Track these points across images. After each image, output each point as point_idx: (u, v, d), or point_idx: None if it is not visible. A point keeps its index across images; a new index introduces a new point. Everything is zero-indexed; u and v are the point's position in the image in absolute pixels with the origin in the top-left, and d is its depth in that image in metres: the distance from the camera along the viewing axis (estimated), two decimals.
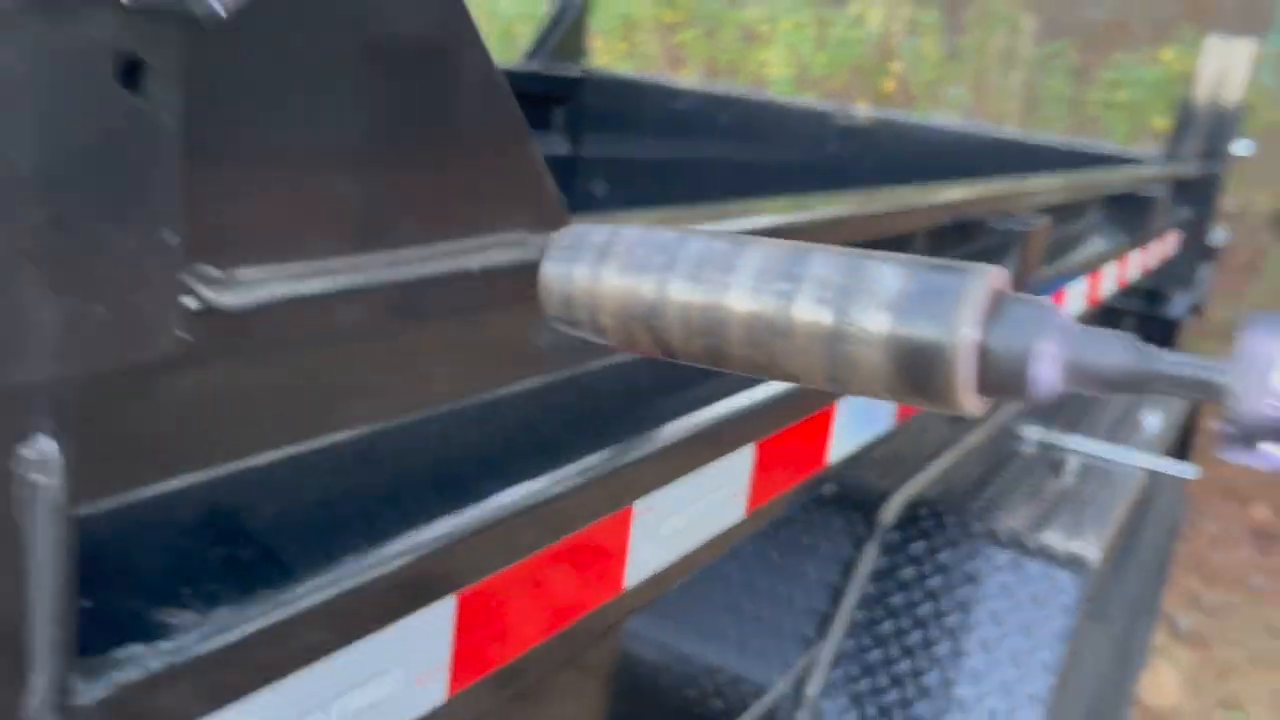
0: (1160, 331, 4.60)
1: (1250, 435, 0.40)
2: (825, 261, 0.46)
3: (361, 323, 0.83)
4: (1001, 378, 0.45)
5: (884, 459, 1.77)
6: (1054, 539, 2.34)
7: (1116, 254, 3.19)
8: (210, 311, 0.70)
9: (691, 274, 0.48)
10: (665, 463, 1.20)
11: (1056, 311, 0.45)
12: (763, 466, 1.48)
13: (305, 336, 0.79)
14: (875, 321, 0.45)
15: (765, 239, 0.49)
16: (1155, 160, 4.33)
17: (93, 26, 0.57)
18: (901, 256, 0.47)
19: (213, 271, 0.69)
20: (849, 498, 2.41)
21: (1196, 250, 4.64)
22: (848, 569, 2.30)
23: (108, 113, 0.58)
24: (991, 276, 0.44)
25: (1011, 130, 4.68)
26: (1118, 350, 0.44)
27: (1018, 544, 2.30)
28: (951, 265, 0.45)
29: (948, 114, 7.67)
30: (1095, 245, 3.11)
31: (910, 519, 2.39)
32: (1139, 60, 7.88)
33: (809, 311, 0.46)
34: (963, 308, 0.44)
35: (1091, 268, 2.98)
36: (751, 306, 0.47)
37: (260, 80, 0.70)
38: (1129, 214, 3.44)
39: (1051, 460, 2.76)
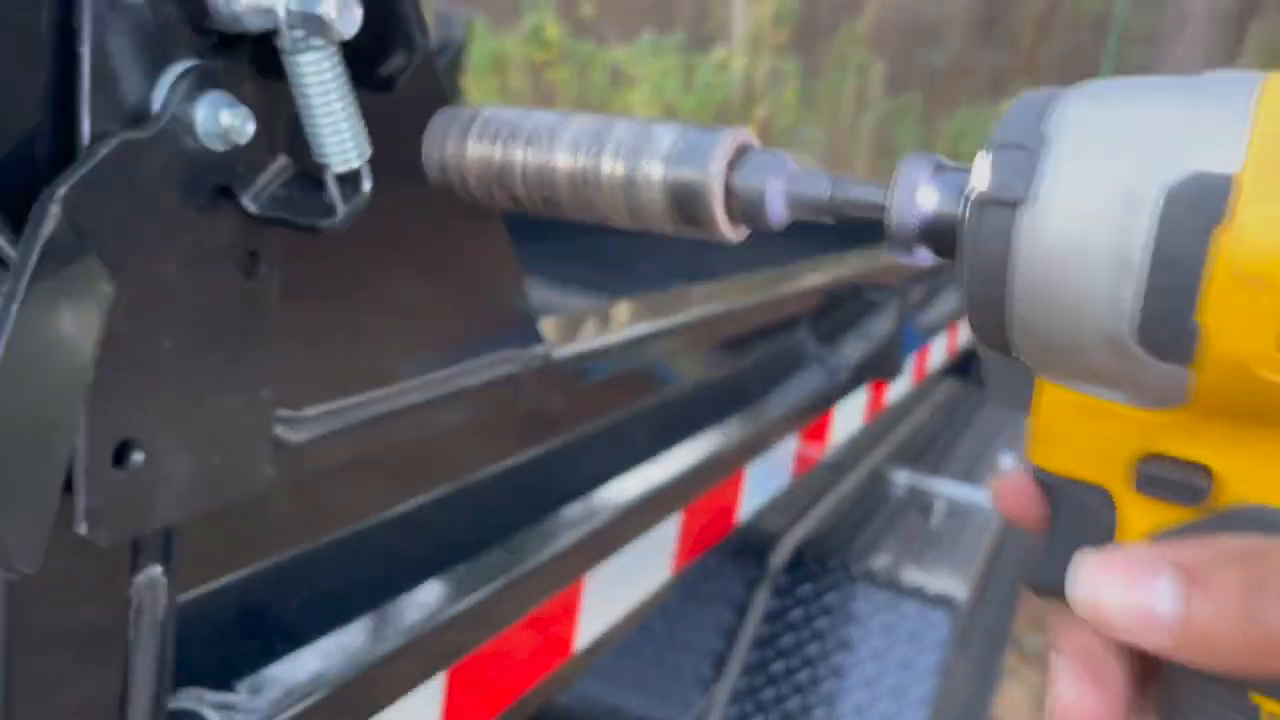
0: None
1: (905, 241, 0.54)
2: (622, 128, 0.62)
3: (378, 444, 0.96)
4: (745, 209, 0.59)
5: (772, 505, 1.93)
6: (927, 580, 2.56)
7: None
8: (282, 446, 0.82)
9: (528, 141, 0.64)
10: (611, 535, 1.35)
11: (784, 158, 0.60)
12: (687, 530, 1.64)
13: (342, 457, 0.91)
14: (655, 170, 0.60)
15: (584, 114, 0.64)
16: None
17: (225, 231, 0.69)
18: (675, 122, 0.63)
19: (287, 413, 0.82)
20: (742, 543, 2.58)
21: None
22: (742, 611, 2.49)
23: (230, 298, 0.70)
24: (737, 133, 0.60)
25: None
26: (823, 184, 0.58)
27: (894, 585, 2.51)
28: (710, 128, 0.61)
29: (805, 155, 8.02)
30: (952, 300, 3.38)
31: (798, 562, 2.58)
32: (980, 112, 8.46)
33: (610, 165, 0.61)
34: (714, 156, 0.59)
35: (952, 319, 3.26)
36: (571, 164, 0.62)
37: (331, 265, 0.83)
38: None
39: (920, 503, 2.99)
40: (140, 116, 0.63)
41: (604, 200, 0.63)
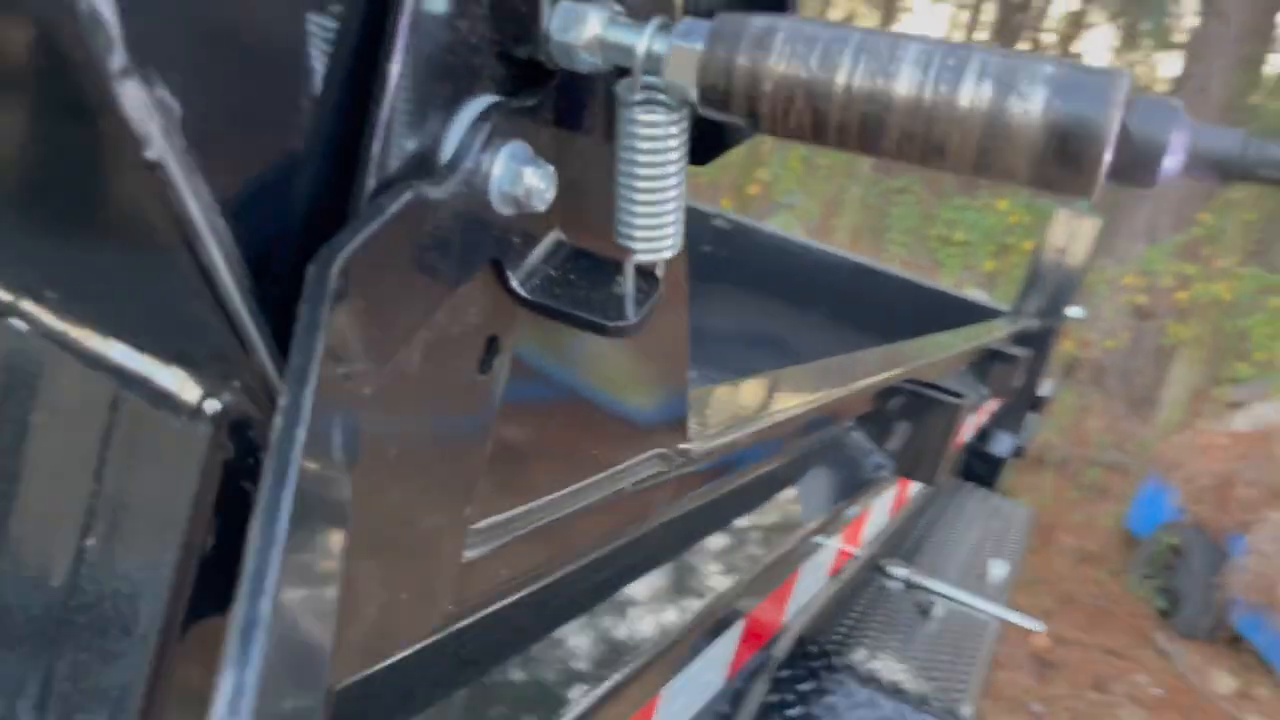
0: (986, 467, 4.91)
1: None
2: (987, 49, 0.50)
3: (537, 557, 0.82)
4: (1134, 160, 0.49)
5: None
6: (932, 691, 2.44)
7: (979, 404, 3.39)
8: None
9: (858, 51, 0.49)
10: (684, 650, 1.23)
11: (1179, 106, 0.50)
12: (746, 636, 1.52)
13: (505, 574, 0.77)
14: (1035, 99, 0.48)
15: (920, 37, 0.51)
16: (1008, 314, 4.62)
17: (475, 314, 0.54)
18: (1048, 56, 0.51)
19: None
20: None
21: (1027, 398, 4.97)
22: (737, 700, 2.34)
23: (461, 394, 0.55)
24: (1130, 75, 0.49)
25: (867, 259, 4.95)
26: (1231, 139, 0.50)
27: (899, 694, 2.39)
28: (1094, 66, 0.50)
29: (794, 218, 8.04)
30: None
31: (800, 655, 2.44)
32: (977, 205, 8.50)
33: (971, 92, 0.49)
34: (1115, 92, 0.48)
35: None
36: (918, 80, 0.49)
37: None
38: (991, 368, 3.65)
39: (919, 603, 2.88)
40: (427, 162, 0.48)
41: (953, 133, 0.49)
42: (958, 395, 2.25)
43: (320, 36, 0.44)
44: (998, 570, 3.51)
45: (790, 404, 1.52)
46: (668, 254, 0.55)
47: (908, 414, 2.23)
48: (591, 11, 0.50)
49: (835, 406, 1.67)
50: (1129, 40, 18.45)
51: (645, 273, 0.56)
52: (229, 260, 0.41)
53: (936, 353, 2.51)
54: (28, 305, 0.50)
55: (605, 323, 0.54)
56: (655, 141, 0.52)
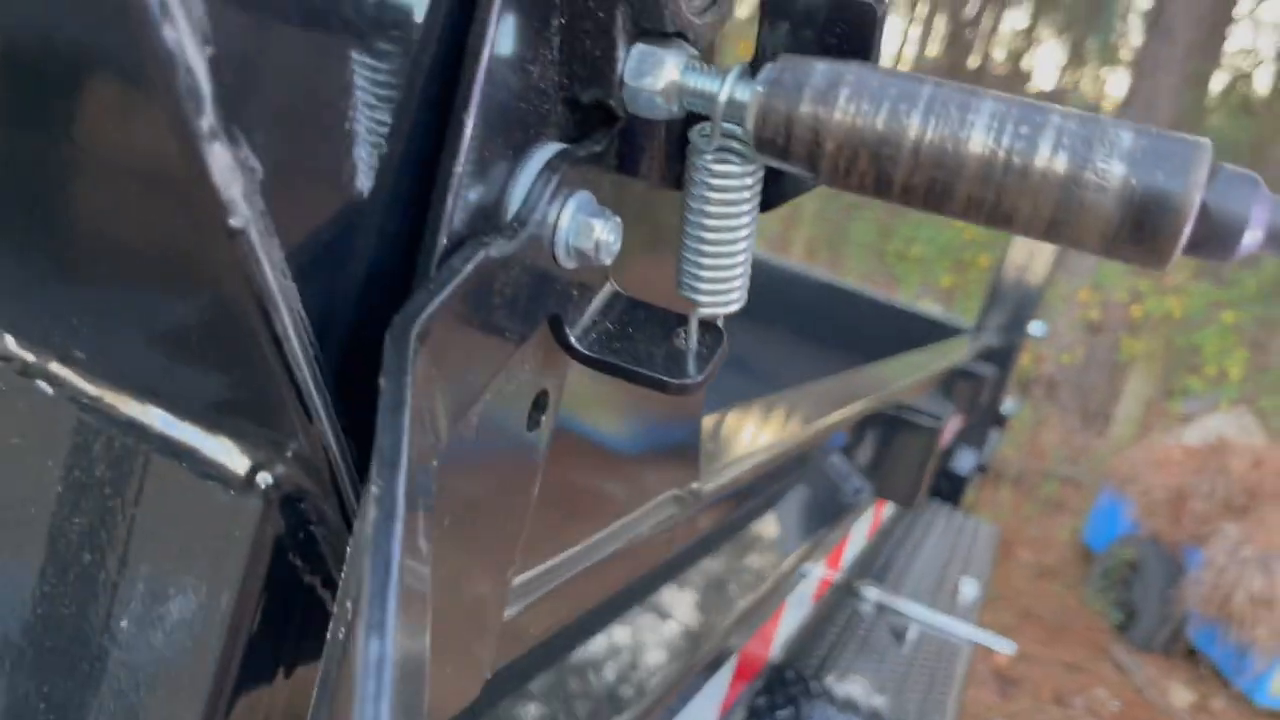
0: (950, 485, 4.92)
1: None
2: (1060, 114, 0.48)
3: (569, 609, 0.79)
4: (1213, 235, 0.48)
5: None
6: (909, 715, 2.42)
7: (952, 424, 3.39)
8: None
9: (928, 109, 0.47)
10: (680, 693, 1.22)
11: (1257, 178, 0.49)
12: (737, 674, 1.49)
13: (539, 629, 0.74)
14: (1113, 170, 0.46)
15: (994, 93, 0.49)
16: (971, 331, 4.65)
17: (528, 371, 0.51)
18: (1125, 122, 0.49)
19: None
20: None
21: (989, 416, 5.00)
22: None
23: (509, 453, 0.52)
24: (1210, 147, 0.48)
25: (829, 276, 4.97)
26: None
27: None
28: (1174, 134, 0.48)
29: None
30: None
31: (778, 682, 2.42)
32: (934, 221, 8.54)
33: (1047, 157, 0.47)
34: (1196, 166, 0.46)
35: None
36: (990, 144, 0.47)
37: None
38: (958, 386, 3.67)
39: (892, 626, 2.86)
40: (493, 215, 0.45)
41: (1025, 201, 0.47)
42: (936, 417, 2.24)
43: (391, 86, 0.40)
44: (969, 589, 3.51)
45: (783, 435, 1.49)
46: (734, 308, 0.52)
47: (886, 437, 2.22)
48: (668, 57, 0.47)
49: (825, 435, 1.66)
50: (1076, 57, 18.77)
51: (708, 326, 0.53)
52: (296, 324, 0.38)
53: (911, 374, 2.50)
54: (55, 367, 0.46)
55: (669, 380, 0.51)
56: (728, 192, 0.49)
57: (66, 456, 0.46)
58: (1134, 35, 15.56)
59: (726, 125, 0.48)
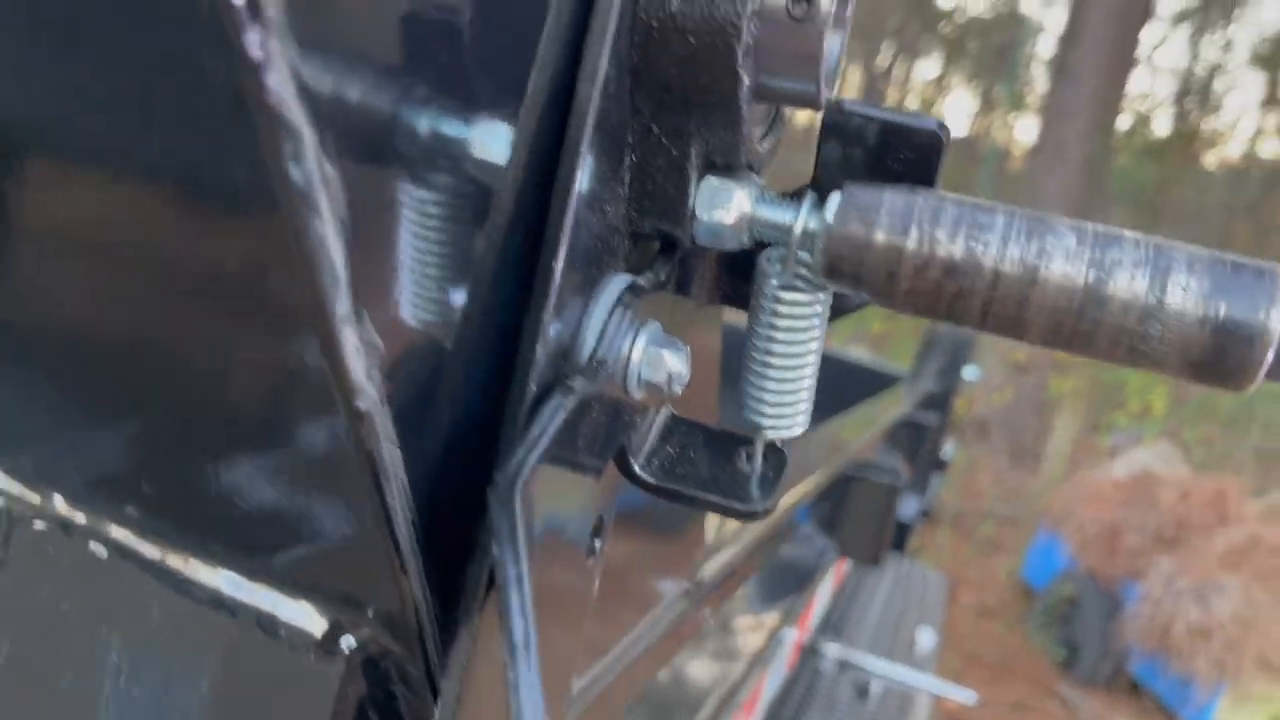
0: (896, 533, 4.95)
1: None
2: (1136, 240, 0.48)
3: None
4: None
5: None
6: None
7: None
8: None
9: (1004, 237, 0.47)
10: None
11: None
12: None
13: None
14: (1191, 301, 0.46)
15: (1068, 219, 0.49)
16: (907, 378, 4.71)
17: (589, 497, 0.50)
18: (1199, 248, 0.49)
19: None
20: None
21: (929, 461, 5.05)
22: None
23: (569, 581, 0.51)
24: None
25: None
26: None
27: None
28: (1249, 260, 0.49)
29: None
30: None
31: None
32: None
33: (1126, 287, 0.47)
34: (1274, 295, 0.46)
35: None
36: (1069, 278, 0.47)
37: None
38: (902, 435, 3.70)
39: (856, 683, 2.86)
40: (570, 355, 0.44)
41: (1105, 325, 0.47)
42: (895, 473, 2.26)
43: (480, 242, 0.39)
44: (925, 639, 3.53)
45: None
46: (798, 431, 0.52)
47: (845, 495, 2.23)
48: (739, 189, 0.47)
49: (800, 505, 1.66)
50: (986, 104, 19.33)
51: (771, 448, 0.53)
52: (402, 492, 0.37)
53: (865, 429, 2.52)
54: (110, 528, 0.44)
55: (740, 507, 0.50)
56: (798, 320, 0.49)
57: (124, 622, 0.44)
58: (1040, 83, 16.09)
59: (801, 254, 0.48)
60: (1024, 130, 17.60)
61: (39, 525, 0.45)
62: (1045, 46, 16.21)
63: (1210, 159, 16.57)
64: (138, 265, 0.35)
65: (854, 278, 0.47)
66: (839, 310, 0.54)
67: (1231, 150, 16.79)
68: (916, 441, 3.87)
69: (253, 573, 0.43)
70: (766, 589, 1.76)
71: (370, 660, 0.42)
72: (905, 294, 0.47)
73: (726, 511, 0.50)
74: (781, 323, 0.49)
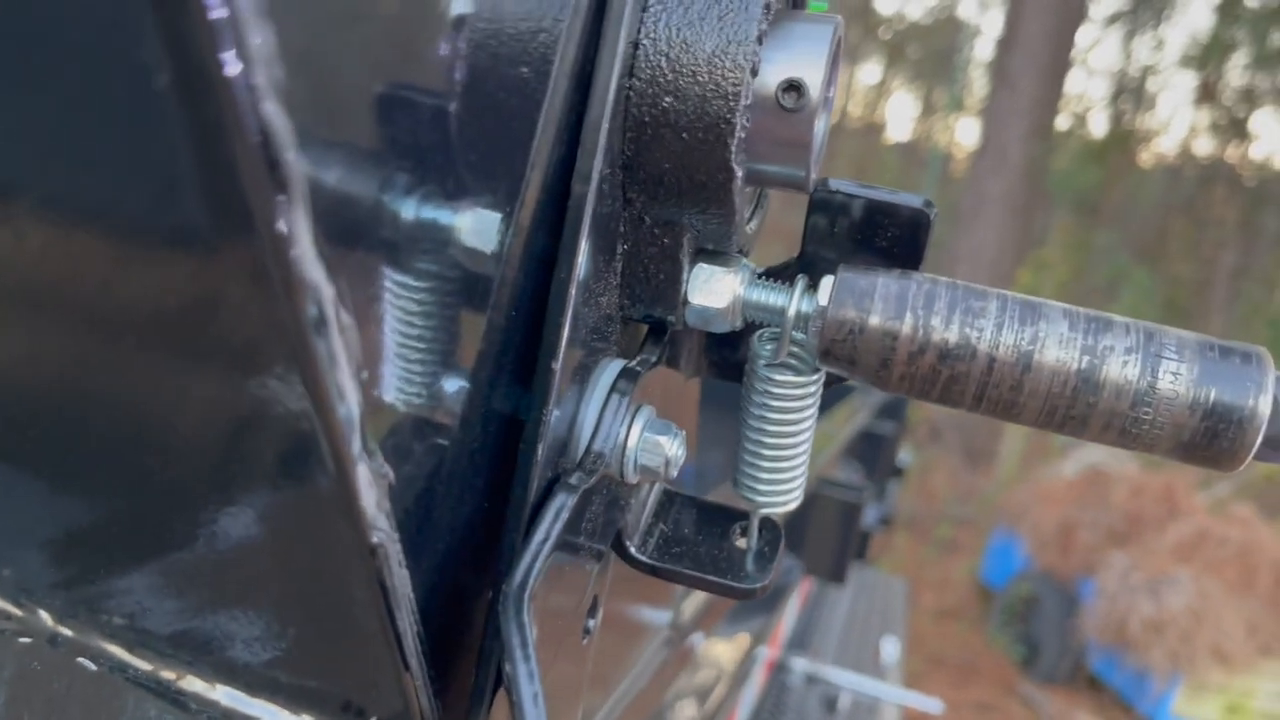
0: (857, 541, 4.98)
1: None
2: (1128, 325, 0.48)
3: None
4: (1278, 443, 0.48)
5: None
6: None
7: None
8: None
9: (998, 322, 0.47)
10: None
11: None
12: None
13: None
14: (1183, 385, 0.47)
15: (1059, 304, 0.50)
16: (859, 387, 4.74)
17: (584, 584, 0.50)
18: (1186, 332, 0.50)
19: None
20: None
21: (887, 469, 5.09)
22: None
23: (565, 666, 0.51)
24: (1268, 357, 0.49)
25: None
26: None
27: None
28: (1234, 344, 0.49)
29: None
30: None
31: None
32: None
33: (1119, 371, 0.47)
34: (1266, 378, 0.47)
35: None
36: (1062, 360, 0.47)
37: None
38: (864, 448, 3.72)
39: (824, 697, 2.87)
40: (568, 447, 0.44)
41: (1098, 409, 0.47)
42: (858, 490, 2.26)
43: (478, 355, 0.39)
44: (890, 648, 3.54)
45: None
46: (793, 506, 0.51)
47: (808, 513, 2.24)
48: (730, 274, 0.46)
49: None
50: (927, 107, 19.57)
51: (766, 523, 0.52)
52: (409, 610, 0.36)
53: (827, 446, 2.53)
54: (100, 642, 0.43)
55: (738, 585, 0.50)
56: (791, 400, 0.49)
57: None
58: (980, 86, 16.31)
59: (797, 335, 0.48)
60: (965, 133, 17.83)
61: (24, 640, 0.44)
62: (983, 50, 16.44)
63: (1146, 158, 16.89)
64: (128, 391, 0.34)
65: (849, 361, 0.47)
66: (832, 385, 0.54)
67: (1166, 148, 17.14)
68: (874, 451, 3.89)
69: (252, 688, 0.42)
70: (741, 610, 1.76)
71: None
72: (899, 378, 0.47)
73: (725, 591, 0.50)
74: (775, 403, 0.49)
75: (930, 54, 18.50)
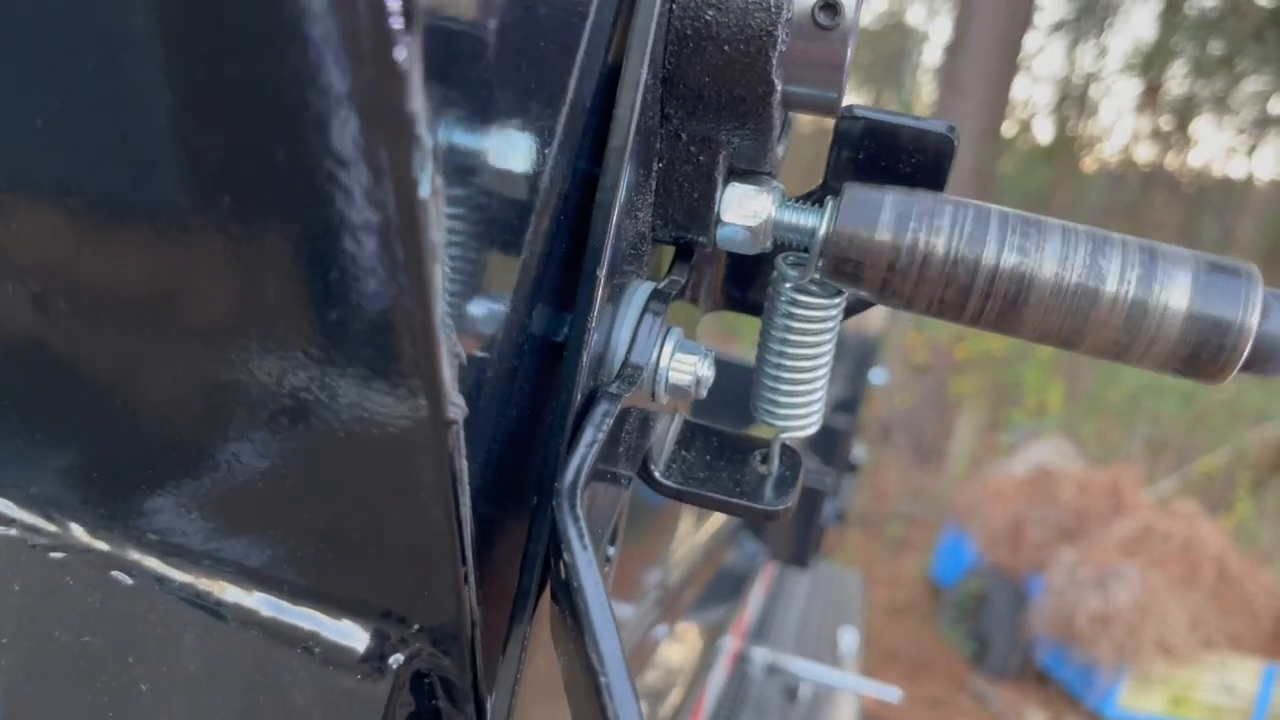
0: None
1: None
2: (1125, 241, 0.50)
3: None
4: (1265, 357, 0.51)
5: None
6: None
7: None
8: None
9: (1000, 238, 0.49)
10: None
11: None
12: None
13: None
14: (1176, 300, 0.49)
15: (1058, 221, 0.51)
16: None
17: (610, 512, 0.50)
18: (1181, 249, 0.52)
19: None
20: None
21: (842, 464, 5.13)
22: None
23: None
24: (1259, 275, 0.51)
25: None
26: None
27: None
28: (1227, 260, 0.51)
29: None
30: None
31: None
32: None
33: (1115, 285, 0.49)
34: (1253, 296, 0.49)
35: None
36: (1059, 275, 0.49)
37: None
38: (821, 441, 3.76)
39: (786, 686, 2.89)
40: (604, 361, 0.44)
41: (1094, 322, 0.49)
42: (822, 477, 2.29)
43: (525, 247, 0.39)
44: (848, 639, 3.57)
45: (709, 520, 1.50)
46: (812, 430, 0.52)
47: None
48: (764, 194, 0.47)
49: None
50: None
51: (786, 449, 0.53)
52: (468, 503, 0.36)
53: None
54: (135, 554, 0.43)
55: (764, 508, 0.50)
56: (814, 322, 0.50)
57: (152, 652, 0.43)
58: (928, 91, 16.50)
59: (822, 261, 0.48)
60: None
61: (56, 555, 0.43)
62: (932, 56, 16.63)
63: (1090, 163, 17.18)
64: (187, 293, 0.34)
65: (854, 276, 0.48)
66: (846, 312, 0.55)
67: (1109, 154, 17.43)
68: (829, 445, 3.92)
69: (293, 595, 0.42)
70: (708, 597, 1.77)
71: (418, 676, 0.42)
72: (903, 291, 0.48)
73: (748, 513, 0.51)
74: (797, 325, 0.50)
75: (880, 59, 18.68)
